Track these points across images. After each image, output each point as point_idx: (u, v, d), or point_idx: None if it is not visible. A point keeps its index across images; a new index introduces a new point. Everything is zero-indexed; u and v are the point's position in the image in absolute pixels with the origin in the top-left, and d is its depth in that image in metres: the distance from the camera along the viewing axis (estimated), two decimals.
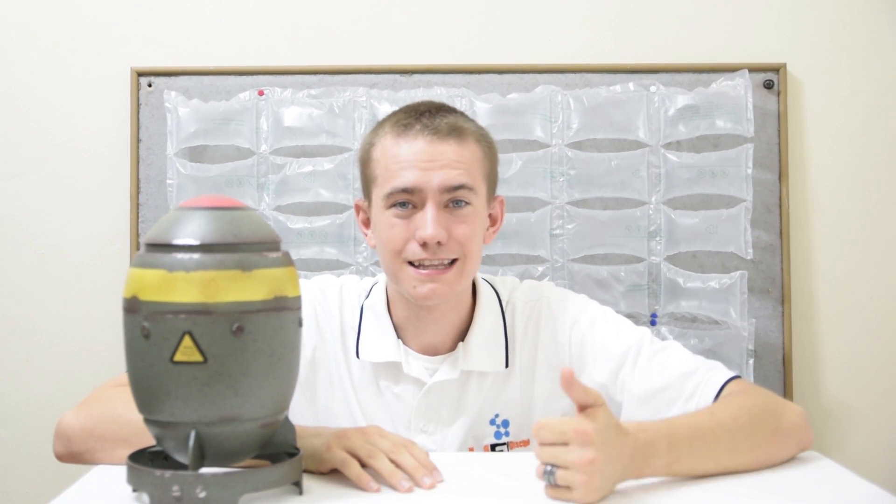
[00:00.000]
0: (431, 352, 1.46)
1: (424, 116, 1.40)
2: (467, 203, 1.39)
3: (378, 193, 1.40)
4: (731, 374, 1.38)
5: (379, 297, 1.49)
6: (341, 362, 1.48)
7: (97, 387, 1.38)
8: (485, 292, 1.49)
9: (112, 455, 1.24)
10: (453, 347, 1.46)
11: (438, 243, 1.35)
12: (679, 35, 2.21)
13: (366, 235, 1.48)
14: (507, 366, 1.46)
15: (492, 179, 1.46)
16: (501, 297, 1.50)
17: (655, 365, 1.41)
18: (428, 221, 1.35)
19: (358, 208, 1.50)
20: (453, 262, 1.38)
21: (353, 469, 1.14)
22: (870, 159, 2.21)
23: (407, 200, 1.37)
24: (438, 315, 1.44)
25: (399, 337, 1.46)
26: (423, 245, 1.36)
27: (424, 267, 1.37)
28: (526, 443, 1.46)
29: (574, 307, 1.49)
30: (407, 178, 1.36)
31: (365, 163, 1.45)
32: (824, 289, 2.20)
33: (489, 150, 1.45)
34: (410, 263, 1.38)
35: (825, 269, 2.20)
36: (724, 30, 2.21)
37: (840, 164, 2.20)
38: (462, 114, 1.45)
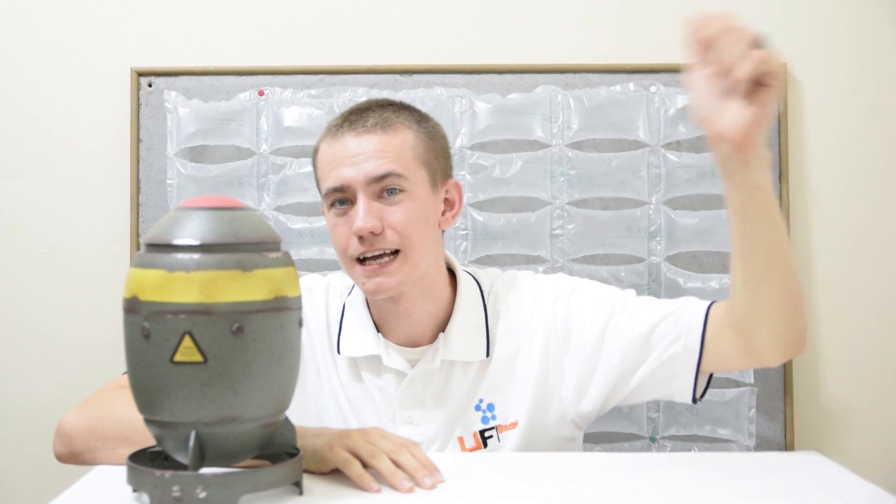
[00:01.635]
0: (411, 344, 1.48)
1: (353, 114, 1.44)
2: (401, 190, 1.40)
3: (322, 197, 1.44)
4: (708, 301, 1.40)
5: (359, 294, 1.51)
6: (328, 358, 1.51)
7: (98, 388, 1.39)
8: (466, 283, 1.51)
9: (113, 455, 1.24)
10: (434, 339, 1.48)
11: (373, 234, 1.37)
12: (679, 35, 2.20)
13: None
14: (487, 354, 1.47)
15: (433, 164, 1.45)
16: (483, 288, 1.52)
17: (642, 311, 1.43)
18: (358, 213, 1.37)
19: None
20: (396, 253, 1.39)
21: (355, 469, 1.14)
22: (869, 159, 2.20)
23: (342, 198, 1.41)
24: (407, 307, 1.45)
25: (379, 331, 1.48)
26: (361, 239, 1.37)
27: (368, 262, 1.39)
28: (514, 425, 1.46)
29: (551, 289, 1.50)
30: (336, 177, 1.40)
31: (314, 170, 1.49)
32: (824, 289, 2.19)
33: (426, 135, 1.45)
34: (359, 261, 1.40)
35: (825, 269, 2.20)
36: None
37: (840, 164, 2.20)
38: (400, 104, 1.47)
